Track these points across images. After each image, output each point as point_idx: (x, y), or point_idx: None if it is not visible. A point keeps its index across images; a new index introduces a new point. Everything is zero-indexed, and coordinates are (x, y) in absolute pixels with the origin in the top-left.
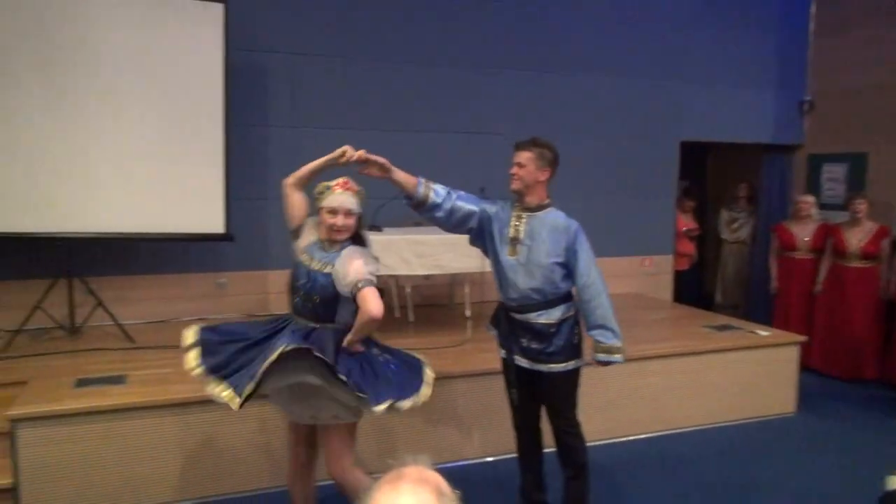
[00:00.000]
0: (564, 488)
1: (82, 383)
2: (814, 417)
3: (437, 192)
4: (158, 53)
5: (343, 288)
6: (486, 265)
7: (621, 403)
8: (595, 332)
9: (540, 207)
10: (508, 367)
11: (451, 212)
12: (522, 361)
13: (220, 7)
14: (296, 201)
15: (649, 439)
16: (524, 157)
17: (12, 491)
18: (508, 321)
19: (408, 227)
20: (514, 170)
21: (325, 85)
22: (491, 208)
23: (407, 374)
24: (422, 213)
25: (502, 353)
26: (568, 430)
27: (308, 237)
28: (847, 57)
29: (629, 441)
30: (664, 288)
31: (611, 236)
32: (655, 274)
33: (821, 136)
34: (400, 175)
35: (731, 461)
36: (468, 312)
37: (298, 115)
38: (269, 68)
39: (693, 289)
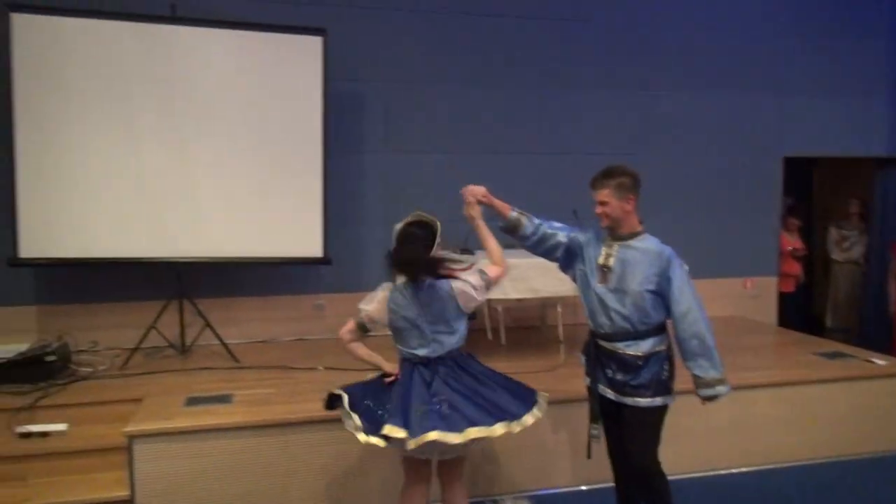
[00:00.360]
0: None
1: (192, 402)
2: None
3: (530, 219)
4: (262, 87)
5: (479, 302)
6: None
7: (722, 434)
8: (691, 364)
9: (632, 235)
10: (593, 397)
11: (541, 240)
12: (608, 392)
13: (319, 40)
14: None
15: (752, 473)
16: (604, 194)
17: (129, 503)
18: (596, 349)
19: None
20: (599, 209)
21: (417, 111)
22: (582, 236)
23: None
24: (513, 238)
25: (587, 381)
26: (653, 472)
27: (381, 298)
28: None
29: (730, 475)
30: (767, 311)
31: (710, 257)
32: (757, 296)
33: None
34: (496, 202)
35: (839, 500)
36: (561, 336)
37: (392, 141)
38: (365, 96)
39: (800, 312)
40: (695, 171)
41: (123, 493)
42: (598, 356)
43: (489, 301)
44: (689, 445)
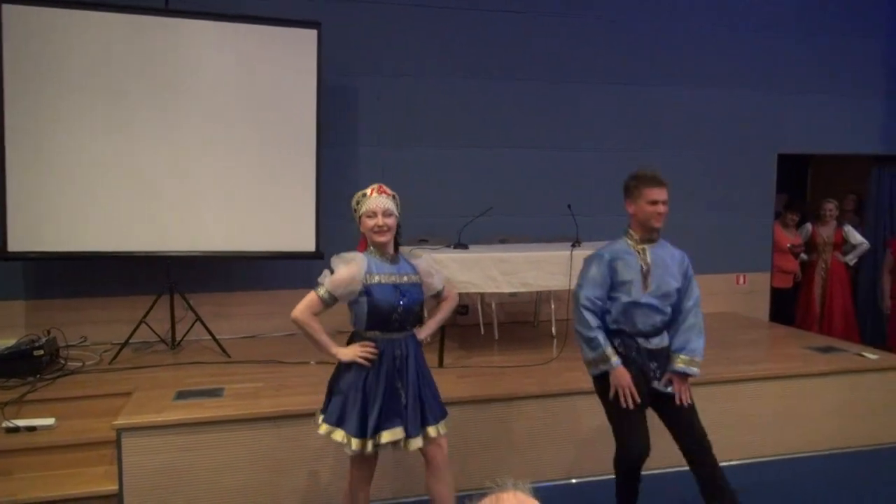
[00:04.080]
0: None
1: (182, 395)
2: None
3: (607, 342)
4: (255, 79)
5: (436, 289)
6: (570, 283)
7: (715, 427)
8: (695, 347)
9: (657, 238)
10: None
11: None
12: (660, 387)
13: (313, 33)
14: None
15: (744, 466)
16: (666, 193)
17: (117, 496)
18: (641, 351)
19: (493, 244)
20: (663, 209)
21: (412, 104)
22: (604, 262)
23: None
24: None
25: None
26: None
27: (352, 269)
28: None
29: (725, 468)
30: (760, 306)
31: (705, 252)
32: (751, 292)
33: None
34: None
35: (832, 492)
36: (554, 331)
37: (387, 135)
38: (359, 89)
39: (794, 308)
40: (690, 167)
41: (111, 487)
42: (642, 355)
43: (482, 296)
44: None
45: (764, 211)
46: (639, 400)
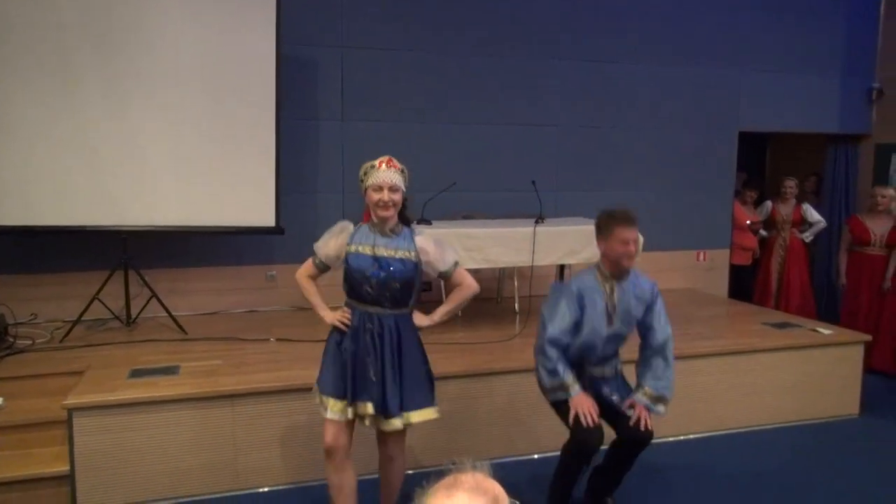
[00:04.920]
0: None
1: (136, 374)
2: (880, 420)
3: (568, 373)
4: (212, 48)
5: (438, 270)
6: (534, 259)
7: (674, 402)
8: (665, 385)
9: (626, 275)
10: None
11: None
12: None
13: (272, 1)
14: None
15: (702, 439)
16: (636, 233)
17: (69, 477)
18: (591, 378)
19: (457, 220)
20: (632, 248)
21: (374, 77)
22: (573, 297)
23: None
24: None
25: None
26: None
27: (343, 236)
28: None
29: (680, 441)
30: (720, 283)
31: (665, 229)
32: (711, 269)
33: (889, 124)
34: None
35: (787, 464)
36: (517, 307)
37: (348, 108)
38: (320, 61)
39: (752, 284)
40: (652, 144)
41: (63, 467)
42: (596, 383)
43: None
44: None
45: (724, 188)
46: (597, 420)
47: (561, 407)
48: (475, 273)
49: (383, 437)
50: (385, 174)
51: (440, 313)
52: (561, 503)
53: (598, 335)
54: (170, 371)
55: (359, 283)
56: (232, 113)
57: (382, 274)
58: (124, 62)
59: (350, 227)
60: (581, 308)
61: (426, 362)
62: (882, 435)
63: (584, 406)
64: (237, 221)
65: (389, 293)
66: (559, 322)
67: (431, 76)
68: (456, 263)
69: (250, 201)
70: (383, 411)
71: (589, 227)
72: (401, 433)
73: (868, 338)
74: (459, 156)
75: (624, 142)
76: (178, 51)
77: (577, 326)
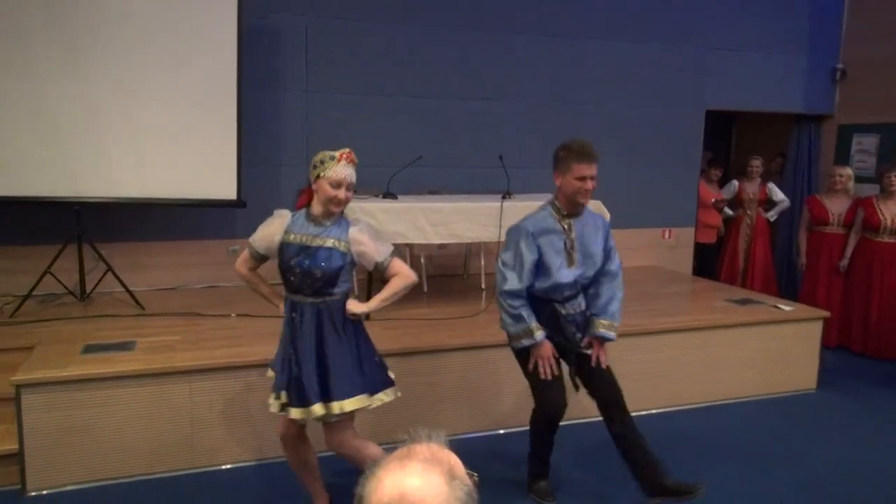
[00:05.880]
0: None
1: (89, 349)
2: (836, 394)
3: (531, 317)
4: (172, 16)
5: (374, 261)
6: (501, 235)
7: (637, 378)
8: (614, 312)
9: (582, 211)
10: (569, 360)
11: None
12: (581, 349)
13: None
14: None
15: (666, 414)
16: (596, 168)
17: (17, 456)
18: (557, 315)
19: (423, 194)
20: (591, 185)
21: (339, 49)
22: (529, 238)
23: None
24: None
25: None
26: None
27: (271, 227)
28: (881, 23)
29: (644, 416)
30: (685, 261)
31: (631, 207)
32: (676, 247)
33: (852, 105)
34: None
35: (749, 437)
36: (483, 283)
37: (312, 80)
38: (283, 31)
39: (716, 262)
40: (619, 121)
41: (11, 446)
42: (561, 320)
43: (411, 249)
44: None
45: (690, 167)
46: (557, 372)
47: (523, 355)
48: (441, 248)
49: (324, 428)
50: (345, 170)
51: (376, 301)
52: (539, 471)
53: (561, 275)
54: (125, 347)
55: (284, 272)
56: (192, 83)
57: (306, 262)
58: (80, 28)
59: (287, 214)
60: (539, 250)
61: (359, 348)
62: (838, 408)
63: (544, 356)
64: (197, 194)
65: (311, 281)
66: (518, 268)
67: (398, 49)
68: (392, 254)
69: (211, 174)
70: (300, 401)
71: None
72: (335, 425)
73: (826, 314)
74: (426, 130)
75: (591, 119)
76: (136, 18)
77: (538, 268)
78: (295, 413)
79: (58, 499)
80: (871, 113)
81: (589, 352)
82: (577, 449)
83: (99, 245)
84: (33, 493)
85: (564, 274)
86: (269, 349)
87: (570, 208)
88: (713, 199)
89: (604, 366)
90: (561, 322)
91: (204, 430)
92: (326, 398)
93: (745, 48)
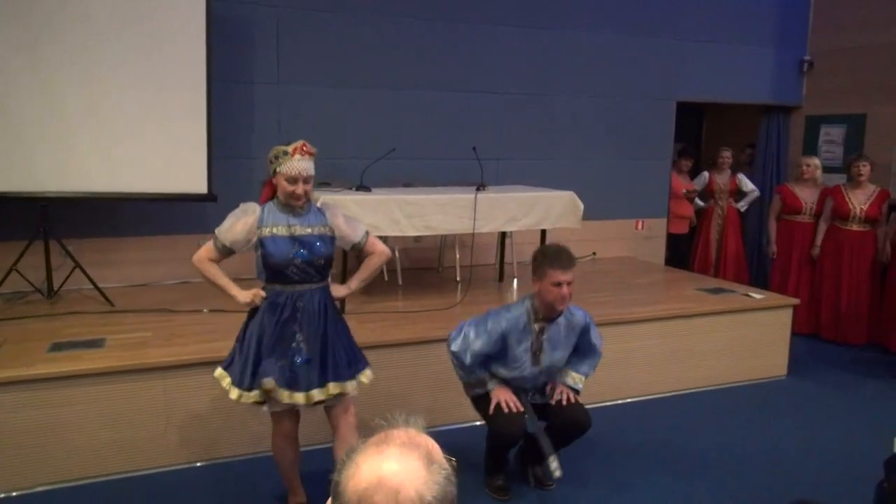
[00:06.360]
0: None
1: (57, 347)
2: (806, 380)
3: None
4: (137, 5)
5: (352, 242)
6: (476, 227)
7: (612, 367)
8: (588, 373)
9: (558, 316)
10: (543, 435)
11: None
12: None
13: None
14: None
15: (640, 403)
16: (572, 275)
17: None
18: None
19: (397, 187)
20: (566, 290)
21: (311, 40)
22: (497, 337)
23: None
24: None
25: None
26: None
27: (242, 222)
28: (847, 15)
29: (620, 405)
30: (658, 252)
31: (604, 198)
32: (648, 237)
33: (819, 96)
34: None
35: (723, 424)
36: (458, 276)
37: (284, 72)
38: (254, 22)
39: (689, 253)
40: (590, 114)
41: None
42: (522, 397)
43: (386, 241)
44: None
45: (662, 158)
46: (521, 408)
47: (480, 402)
48: (416, 241)
49: (332, 412)
50: (300, 164)
51: (356, 281)
52: (496, 468)
53: (525, 371)
54: (95, 344)
55: (282, 267)
56: (160, 74)
57: (306, 252)
58: (42, 19)
59: (257, 208)
60: (505, 345)
61: (346, 327)
62: (808, 394)
63: (504, 395)
64: (167, 188)
65: (315, 269)
66: (473, 346)
67: (372, 40)
68: (367, 233)
69: (181, 167)
70: (315, 382)
71: (531, 195)
72: (350, 403)
73: (796, 301)
74: (400, 122)
75: (564, 110)
76: (100, 8)
77: (500, 360)
78: (317, 395)
79: (29, 500)
80: (838, 104)
81: (550, 394)
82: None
83: (67, 241)
84: (2, 495)
85: (528, 370)
86: None
87: (547, 312)
88: (685, 190)
89: (568, 402)
90: (522, 398)
91: (179, 428)
92: (349, 376)
93: (715, 40)
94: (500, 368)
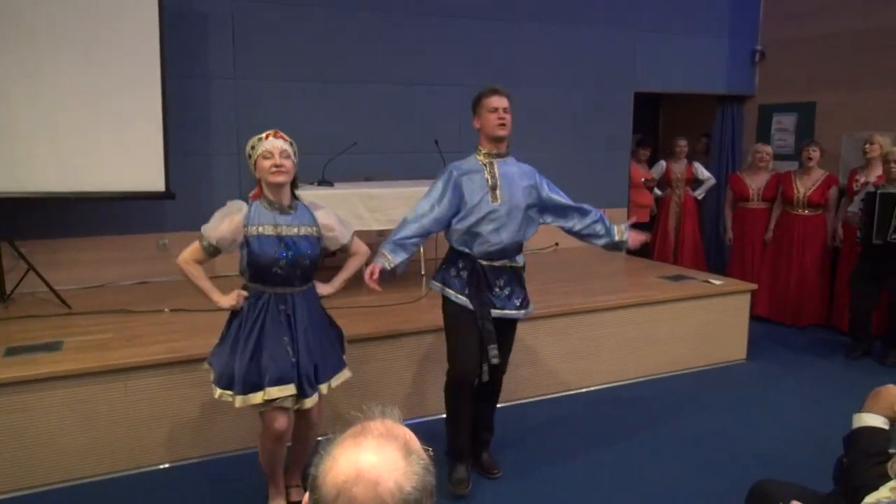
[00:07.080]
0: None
1: (12, 352)
2: (764, 363)
3: (396, 252)
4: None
5: (341, 243)
6: None
7: (578, 355)
8: (612, 229)
9: (506, 153)
10: (487, 319)
11: (427, 234)
12: (497, 312)
13: None
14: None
15: (606, 390)
16: (507, 102)
17: None
18: (479, 271)
19: (359, 181)
20: (504, 116)
21: (268, 34)
22: (450, 183)
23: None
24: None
25: (471, 304)
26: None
27: (228, 220)
28: (796, 4)
29: (587, 392)
30: None
31: (564, 189)
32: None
33: (771, 86)
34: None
35: (687, 409)
36: (423, 269)
37: (241, 67)
38: (208, 16)
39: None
40: (548, 105)
41: None
42: (485, 276)
43: None
44: (549, 368)
45: (621, 148)
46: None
47: (446, 324)
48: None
49: (304, 409)
50: (273, 142)
51: (340, 280)
52: (456, 454)
53: (483, 207)
54: (52, 347)
55: (266, 266)
56: (112, 69)
57: (291, 253)
58: None
59: (244, 206)
60: (460, 190)
61: (333, 324)
62: (768, 375)
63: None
64: (122, 186)
65: (300, 271)
66: (432, 215)
67: (329, 33)
68: (353, 234)
69: (137, 165)
70: (309, 390)
71: None
72: (320, 403)
73: (754, 286)
74: (360, 116)
75: (523, 102)
76: (51, 1)
77: (458, 209)
78: (310, 401)
79: None
80: (789, 92)
81: (510, 314)
82: (519, 428)
83: (19, 243)
84: None
85: (487, 206)
86: (208, 342)
87: (492, 146)
88: (643, 179)
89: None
90: (489, 277)
91: (143, 429)
92: (322, 380)
93: (670, 30)
94: (464, 222)
